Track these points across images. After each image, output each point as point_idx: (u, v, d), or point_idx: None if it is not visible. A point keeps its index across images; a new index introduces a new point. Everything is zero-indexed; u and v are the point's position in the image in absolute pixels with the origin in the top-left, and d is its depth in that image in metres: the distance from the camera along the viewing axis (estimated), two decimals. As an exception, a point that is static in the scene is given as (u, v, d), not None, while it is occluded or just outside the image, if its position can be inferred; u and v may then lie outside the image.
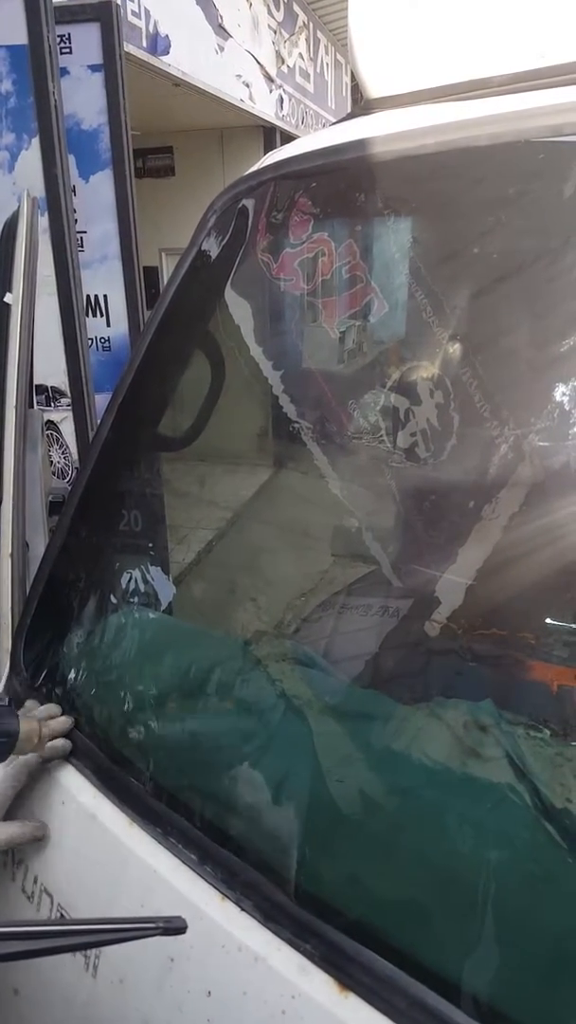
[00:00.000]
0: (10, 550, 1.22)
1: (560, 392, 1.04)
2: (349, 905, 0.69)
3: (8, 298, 1.32)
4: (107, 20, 3.04)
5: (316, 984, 0.65)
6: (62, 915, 0.88)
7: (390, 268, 1.15)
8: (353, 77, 1.10)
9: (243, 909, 0.72)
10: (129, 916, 0.77)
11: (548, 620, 1.05)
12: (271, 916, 0.70)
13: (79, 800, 0.91)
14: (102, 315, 3.36)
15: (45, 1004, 0.88)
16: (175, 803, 0.85)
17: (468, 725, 0.83)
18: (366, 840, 0.77)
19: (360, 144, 0.96)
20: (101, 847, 0.86)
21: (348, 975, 0.64)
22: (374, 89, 1.02)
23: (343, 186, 1.08)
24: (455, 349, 1.15)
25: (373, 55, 1.01)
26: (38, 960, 0.87)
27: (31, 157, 2.90)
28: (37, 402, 2.98)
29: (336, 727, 0.90)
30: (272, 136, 7.67)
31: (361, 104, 1.06)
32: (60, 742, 0.96)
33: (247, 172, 1.14)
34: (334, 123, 1.13)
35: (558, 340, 1.04)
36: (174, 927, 0.55)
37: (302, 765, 0.86)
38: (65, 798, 0.92)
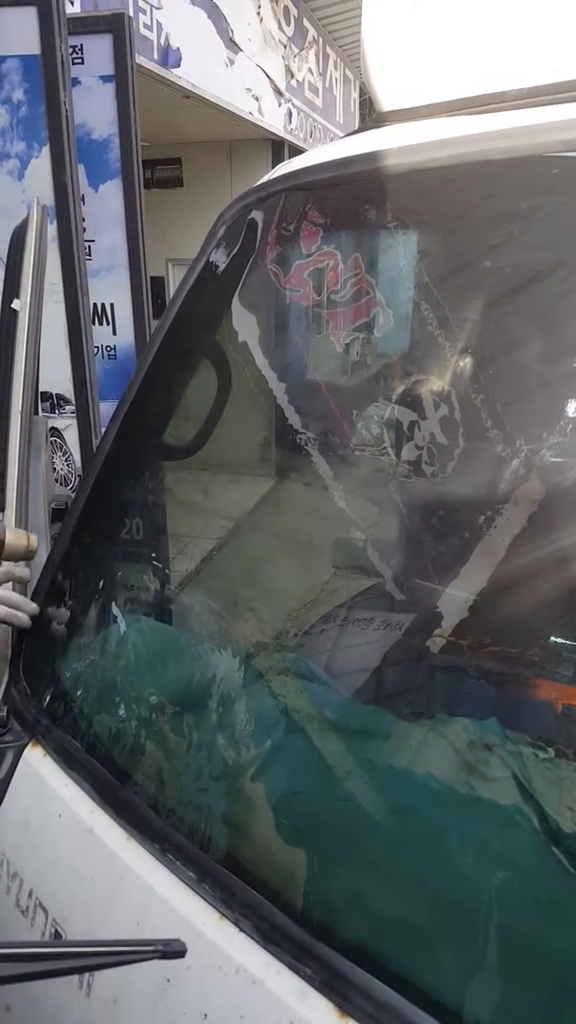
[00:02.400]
0: (12, 557, 1.21)
1: (568, 407, 1.03)
2: (350, 928, 0.68)
3: (16, 304, 1.31)
4: (120, 32, 3.06)
5: (316, 1009, 0.63)
6: (56, 931, 0.86)
7: (399, 281, 1.14)
8: (363, 91, 1.10)
9: (242, 930, 0.70)
10: (125, 934, 0.76)
11: (553, 638, 1.04)
12: (270, 938, 0.68)
13: (76, 813, 0.89)
14: (108, 324, 3.36)
15: (37, 1022, 0.87)
16: (174, 819, 0.84)
17: (472, 744, 0.82)
18: (368, 861, 0.75)
19: (371, 156, 0.96)
20: (97, 862, 0.85)
21: (349, 1001, 0.62)
22: (386, 102, 1.02)
23: (353, 198, 1.07)
24: (462, 363, 1.15)
25: (386, 68, 1.01)
26: (31, 977, 0.85)
27: (41, 166, 2.91)
28: (42, 409, 2.98)
29: (337, 744, 0.89)
30: (280, 149, 7.72)
31: (373, 117, 1.06)
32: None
33: (257, 183, 1.14)
34: (345, 136, 1.13)
35: (565, 356, 1.03)
36: (173, 951, 0.54)
37: (303, 782, 0.85)
38: (62, 811, 0.91)
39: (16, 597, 1.08)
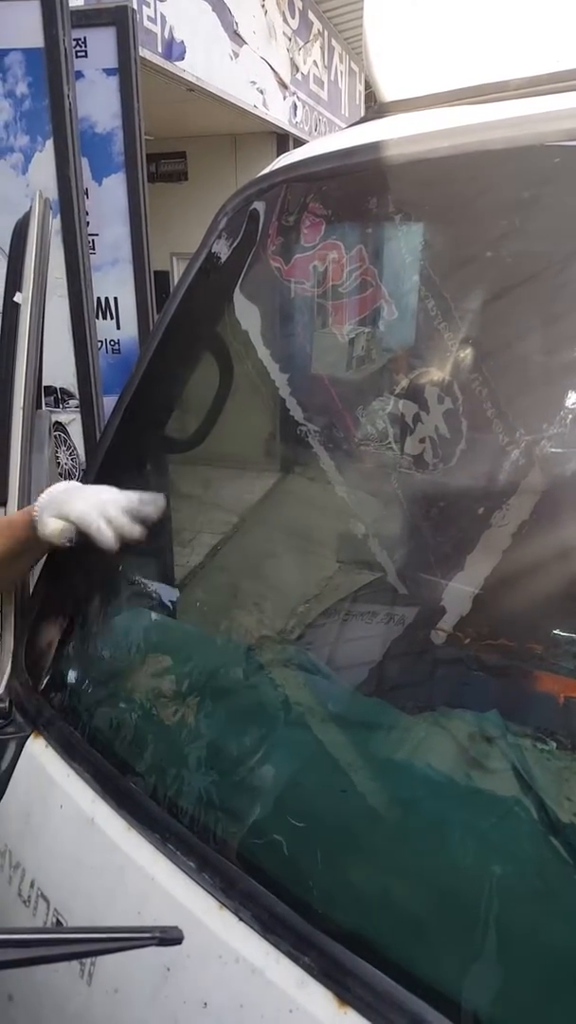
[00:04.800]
0: (14, 550, 1.21)
1: (570, 398, 1.03)
2: (349, 918, 0.68)
3: (18, 298, 1.31)
4: (123, 25, 3.05)
5: (314, 998, 0.64)
6: (58, 920, 0.87)
7: (401, 273, 1.14)
8: (367, 83, 1.10)
9: (241, 919, 0.71)
10: (126, 923, 0.76)
11: (556, 631, 1.04)
12: (270, 927, 0.69)
13: (78, 804, 0.90)
14: (112, 318, 3.36)
15: (39, 1011, 0.87)
16: (174, 809, 0.84)
17: (473, 736, 0.82)
18: (368, 852, 0.76)
19: (374, 147, 0.95)
20: (99, 852, 0.85)
21: (347, 989, 0.63)
22: (388, 93, 1.02)
23: (356, 189, 1.07)
24: (465, 355, 1.14)
25: (388, 58, 1.01)
26: (33, 967, 0.86)
27: (45, 159, 2.90)
28: (46, 403, 2.97)
29: (339, 736, 0.89)
30: (285, 142, 7.70)
31: (375, 107, 1.06)
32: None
33: (259, 174, 1.14)
34: (347, 126, 1.13)
35: (568, 347, 1.03)
36: (170, 938, 0.54)
37: (304, 774, 0.85)
38: (64, 801, 0.91)
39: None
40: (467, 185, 0.94)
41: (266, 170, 1.14)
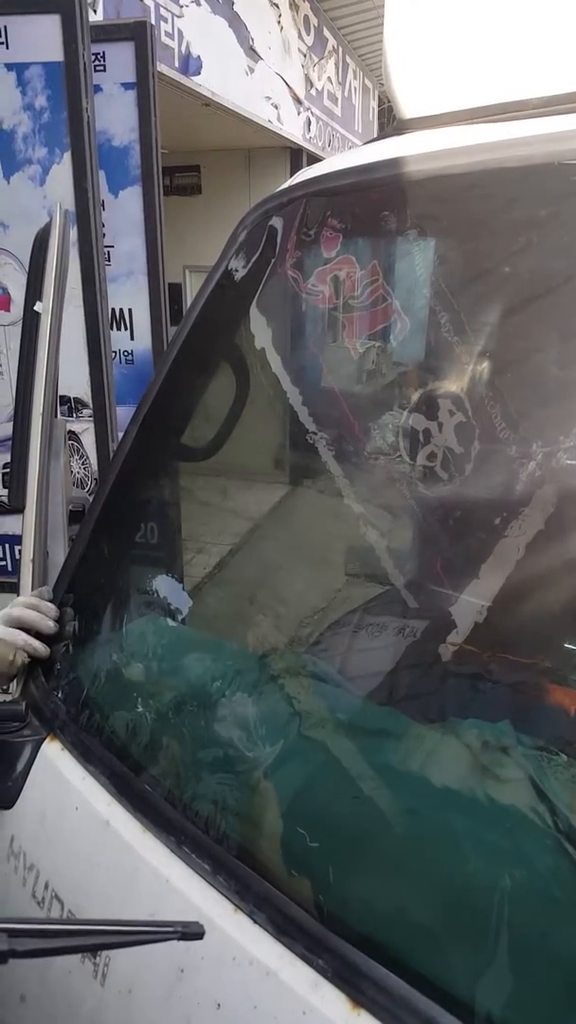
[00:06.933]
0: (31, 556, 1.22)
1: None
2: (363, 921, 0.69)
3: (38, 307, 1.33)
4: (141, 40, 3.09)
5: (328, 1000, 0.64)
6: (72, 922, 0.87)
7: (418, 288, 1.15)
8: (382, 100, 1.12)
9: (256, 922, 0.72)
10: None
11: (567, 644, 1.04)
12: (284, 930, 0.69)
13: (93, 806, 0.91)
14: (126, 329, 3.39)
15: (51, 1011, 0.88)
16: (189, 812, 0.85)
17: (486, 746, 0.82)
18: (382, 857, 0.76)
19: (392, 163, 0.97)
20: (113, 854, 0.86)
21: (361, 992, 0.63)
22: (408, 110, 1.03)
23: (374, 205, 1.09)
24: (478, 370, 1.16)
25: (408, 76, 1.03)
26: (45, 967, 0.87)
27: (62, 171, 2.94)
28: (61, 412, 3.00)
29: (349, 743, 0.90)
30: (298, 157, 7.76)
31: (394, 124, 1.08)
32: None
33: (279, 189, 1.15)
34: (367, 142, 1.14)
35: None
36: (192, 932, 0.55)
37: (315, 779, 0.86)
38: (79, 804, 0.92)
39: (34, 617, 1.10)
40: (484, 203, 0.96)
41: (285, 185, 1.16)
